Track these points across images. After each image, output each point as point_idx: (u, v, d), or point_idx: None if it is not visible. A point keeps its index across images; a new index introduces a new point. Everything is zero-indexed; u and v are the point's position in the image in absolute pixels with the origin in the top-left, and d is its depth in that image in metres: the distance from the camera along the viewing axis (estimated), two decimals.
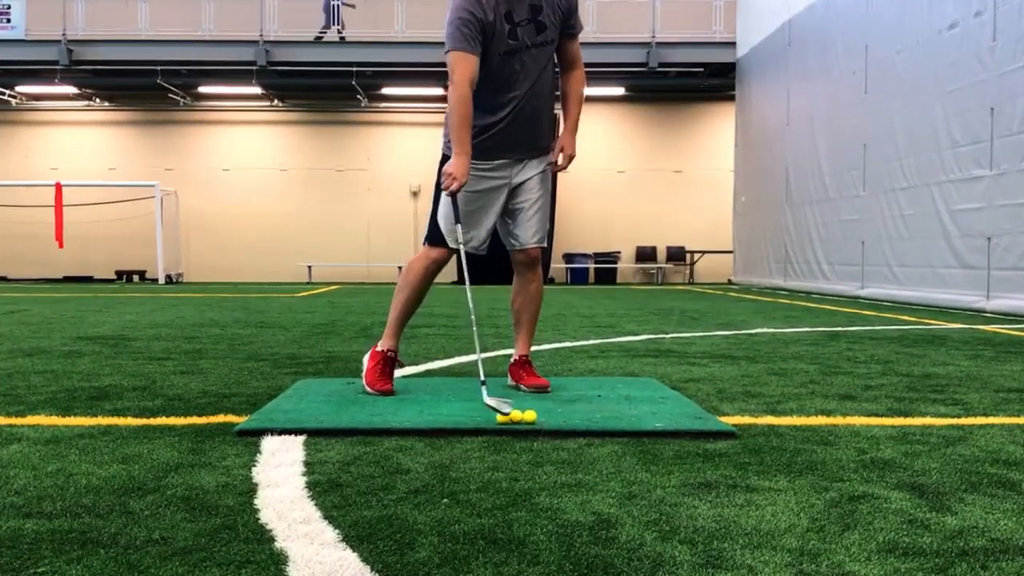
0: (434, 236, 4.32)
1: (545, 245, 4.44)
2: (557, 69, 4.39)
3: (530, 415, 3.46)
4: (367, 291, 18.22)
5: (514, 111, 4.19)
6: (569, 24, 4.25)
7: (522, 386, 4.29)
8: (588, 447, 3.15)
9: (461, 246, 4.17)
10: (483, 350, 6.34)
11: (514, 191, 4.32)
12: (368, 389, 4.18)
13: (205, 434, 3.35)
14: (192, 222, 25.55)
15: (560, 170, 4.35)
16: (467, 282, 4.21)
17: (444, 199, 4.22)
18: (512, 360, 4.45)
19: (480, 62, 4.05)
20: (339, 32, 22.78)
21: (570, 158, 4.32)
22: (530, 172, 4.32)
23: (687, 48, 22.69)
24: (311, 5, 22.67)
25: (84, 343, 6.89)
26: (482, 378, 3.85)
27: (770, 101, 19.82)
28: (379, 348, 4.31)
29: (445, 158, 4.23)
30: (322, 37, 22.85)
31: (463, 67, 4.01)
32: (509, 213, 4.36)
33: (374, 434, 3.33)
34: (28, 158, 25.68)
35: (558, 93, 4.41)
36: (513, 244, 4.40)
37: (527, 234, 4.35)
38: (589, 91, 24.51)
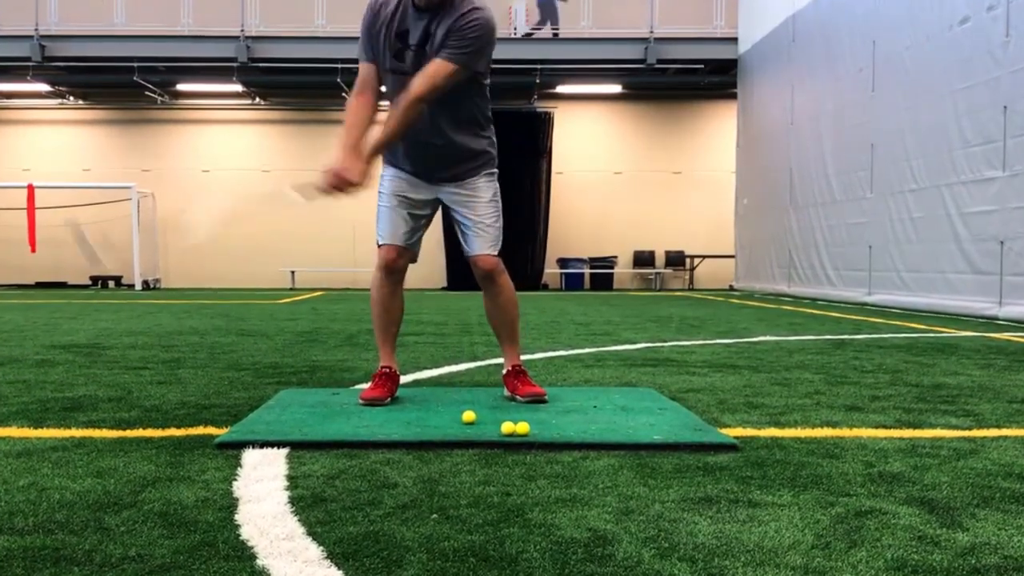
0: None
1: (495, 254, 4.42)
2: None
3: (523, 427, 3.46)
4: (352, 297, 18.21)
5: (411, 134, 4.24)
6: (444, 44, 4.07)
7: (518, 396, 4.30)
8: (583, 460, 3.15)
9: (385, 240, 4.41)
10: (472, 358, 6.35)
11: (449, 209, 4.47)
12: (359, 400, 4.24)
13: (184, 447, 3.35)
14: (170, 225, 25.48)
15: (324, 192, 4.07)
16: None
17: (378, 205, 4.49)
18: (505, 371, 4.47)
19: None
20: (553, 30, 22.76)
21: (335, 177, 4.03)
22: (452, 193, 4.40)
23: (687, 44, 22.69)
24: None
25: (57, 352, 6.88)
26: None
27: (773, 99, 19.87)
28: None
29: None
30: (532, 34, 22.83)
31: (359, 73, 4.30)
32: (458, 226, 4.46)
33: (360, 447, 3.33)
34: None
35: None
36: (465, 252, 4.48)
37: (472, 246, 4.41)
38: (584, 88, 24.58)
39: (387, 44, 4.18)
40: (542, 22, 22.97)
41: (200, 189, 25.62)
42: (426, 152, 4.31)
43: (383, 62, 4.22)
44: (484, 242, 4.39)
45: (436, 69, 4.05)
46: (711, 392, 4.84)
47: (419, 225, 4.48)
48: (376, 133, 4.18)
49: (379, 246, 4.45)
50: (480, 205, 4.40)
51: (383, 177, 4.48)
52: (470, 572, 2.05)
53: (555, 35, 22.78)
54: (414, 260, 4.54)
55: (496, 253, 4.42)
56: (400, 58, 4.18)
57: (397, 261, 4.43)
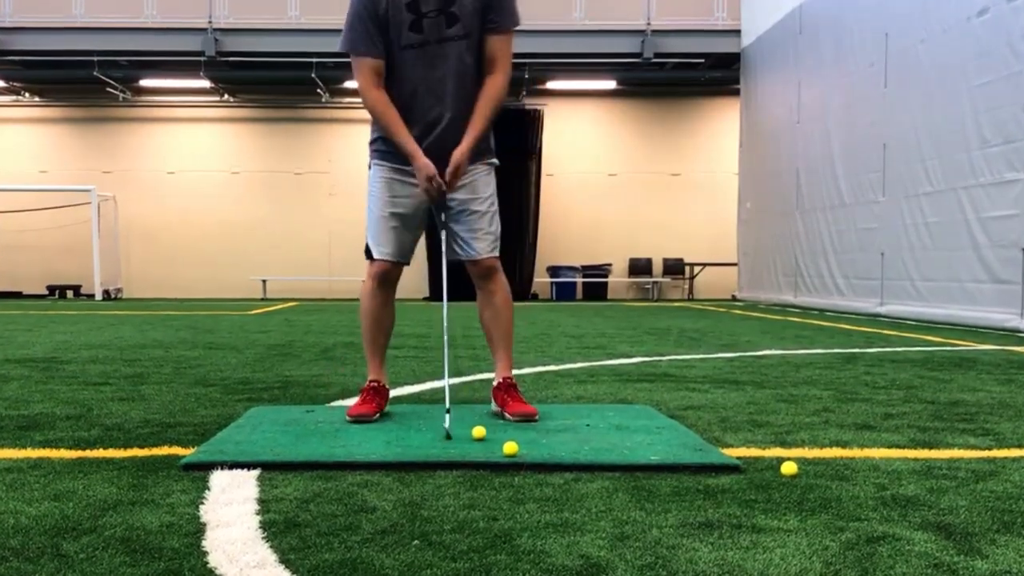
0: (367, 250, 4.44)
1: (497, 255, 4.45)
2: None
3: (510, 447, 3.46)
4: (328, 308, 18.20)
5: (418, 110, 4.25)
6: (488, 18, 4.23)
7: (507, 413, 4.28)
8: (575, 482, 3.16)
9: (387, 257, 4.37)
10: (456, 374, 6.34)
11: (441, 206, 4.35)
12: (346, 416, 4.25)
13: (147, 468, 3.35)
14: (133, 231, 25.43)
15: (447, 188, 4.25)
16: (444, 298, 4.28)
17: (369, 209, 4.40)
18: (495, 384, 4.45)
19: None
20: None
21: (455, 170, 4.20)
22: (463, 179, 4.35)
23: (686, 37, 22.75)
24: None
25: (12, 366, 6.86)
26: (447, 406, 3.95)
27: (779, 96, 19.93)
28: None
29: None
30: None
31: (362, 71, 4.20)
32: (453, 221, 4.38)
33: (336, 468, 3.33)
34: None
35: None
36: (462, 255, 4.42)
37: (478, 246, 4.38)
38: (578, 84, 24.62)
39: (399, 20, 4.14)
40: None
41: (165, 192, 25.58)
42: (432, 131, 4.25)
43: (397, 41, 4.16)
44: (486, 244, 4.38)
45: (504, 43, 4.26)
46: (712, 409, 4.85)
47: (418, 228, 4.46)
48: (475, 127, 4.23)
49: (372, 259, 4.41)
50: (480, 200, 4.36)
51: (375, 178, 4.39)
52: None
53: None
54: (408, 264, 4.54)
55: (497, 255, 4.43)
56: (418, 29, 4.15)
57: (393, 272, 4.44)
